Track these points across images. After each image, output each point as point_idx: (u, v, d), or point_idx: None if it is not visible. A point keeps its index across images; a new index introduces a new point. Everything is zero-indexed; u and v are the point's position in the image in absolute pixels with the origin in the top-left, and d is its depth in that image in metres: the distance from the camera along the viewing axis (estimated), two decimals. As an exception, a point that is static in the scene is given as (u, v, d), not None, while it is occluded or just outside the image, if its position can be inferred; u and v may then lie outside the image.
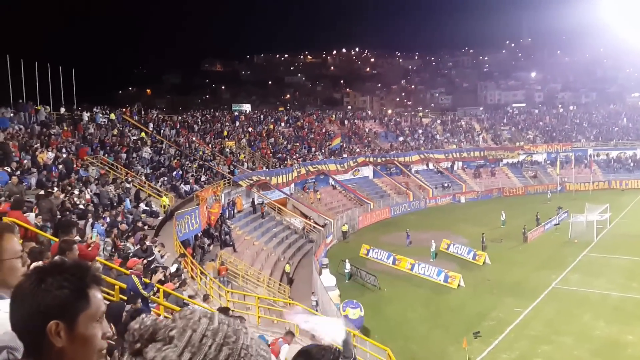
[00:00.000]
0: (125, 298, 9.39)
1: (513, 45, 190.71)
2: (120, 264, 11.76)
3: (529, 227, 38.61)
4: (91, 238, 10.87)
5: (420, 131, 68.86)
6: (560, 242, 36.78)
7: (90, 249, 9.48)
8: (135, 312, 7.69)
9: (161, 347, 1.12)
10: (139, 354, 1.14)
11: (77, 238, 10.67)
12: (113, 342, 5.88)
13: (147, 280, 10.08)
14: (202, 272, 20.53)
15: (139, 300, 9.13)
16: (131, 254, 14.36)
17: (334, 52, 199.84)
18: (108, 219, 18.36)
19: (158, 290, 11.15)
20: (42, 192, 16.81)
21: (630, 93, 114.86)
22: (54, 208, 15.08)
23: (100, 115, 36.64)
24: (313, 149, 53.99)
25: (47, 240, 9.77)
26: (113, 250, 15.02)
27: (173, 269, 14.62)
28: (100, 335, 1.38)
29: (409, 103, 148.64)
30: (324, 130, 60.79)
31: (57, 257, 5.80)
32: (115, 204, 21.61)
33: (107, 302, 8.41)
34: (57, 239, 10.18)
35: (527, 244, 36.54)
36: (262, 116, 60.23)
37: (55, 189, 18.36)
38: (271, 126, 56.62)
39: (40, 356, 1.31)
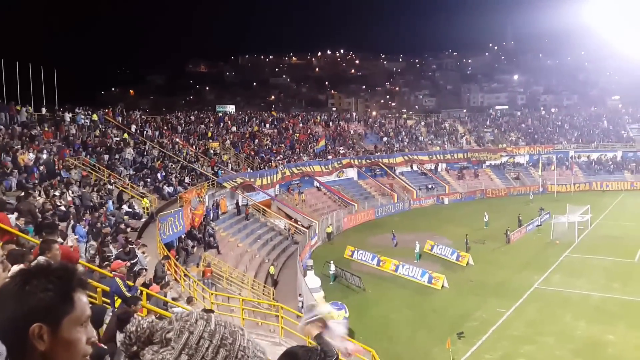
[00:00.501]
0: (107, 301, 9.28)
1: (496, 48, 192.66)
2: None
3: (511, 228, 39.01)
4: (67, 243, 10.73)
5: (404, 133, 69.19)
6: (542, 243, 37.18)
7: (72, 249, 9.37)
8: (123, 314, 7.59)
9: (158, 349, 1.11)
10: (135, 357, 1.13)
11: (60, 240, 10.56)
12: (105, 347, 5.82)
13: (131, 283, 9.98)
14: (185, 274, 20.39)
15: (139, 302, 9.04)
16: (114, 256, 14.21)
17: (319, 53, 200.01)
18: (90, 221, 18.16)
19: (141, 293, 11.04)
20: (22, 193, 16.59)
21: (611, 96, 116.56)
22: (33, 209, 14.87)
23: (83, 116, 36.22)
24: (298, 150, 53.94)
25: (28, 243, 9.64)
26: (96, 253, 14.86)
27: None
28: (85, 339, 1.36)
29: (393, 105, 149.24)
30: (308, 132, 60.75)
31: (41, 259, 5.72)
32: (97, 206, 21.36)
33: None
34: (38, 242, 10.07)
35: (510, 245, 36.87)
36: (246, 117, 60.03)
37: (36, 190, 18.14)
38: (255, 127, 56.47)
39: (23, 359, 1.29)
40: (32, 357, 1.27)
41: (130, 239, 17.76)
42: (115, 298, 9.40)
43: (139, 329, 1.15)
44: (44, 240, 6.86)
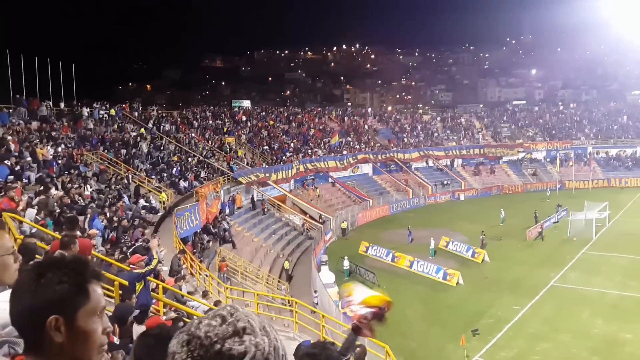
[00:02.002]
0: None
1: (513, 42, 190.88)
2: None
3: (527, 224, 38.77)
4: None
5: (420, 128, 68.82)
6: (559, 240, 36.78)
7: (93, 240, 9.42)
8: (141, 306, 7.62)
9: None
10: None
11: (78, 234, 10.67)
12: (117, 343, 5.87)
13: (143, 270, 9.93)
14: (201, 268, 20.56)
15: (134, 296, 9.09)
16: (131, 250, 14.36)
17: (334, 48, 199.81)
18: (108, 215, 18.33)
19: (157, 287, 11.13)
20: (41, 187, 16.85)
21: (631, 91, 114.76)
22: (50, 204, 15.08)
23: (101, 111, 36.55)
24: (312, 145, 53.93)
25: (47, 236, 9.80)
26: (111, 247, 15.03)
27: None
28: (101, 330, 1.39)
29: (409, 99, 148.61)
30: (323, 127, 60.71)
31: (57, 252, 5.80)
32: (115, 200, 21.58)
33: (115, 304, 8.36)
34: (58, 235, 10.20)
35: (527, 242, 36.52)
36: (262, 112, 60.16)
37: (54, 185, 18.37)
38: (271, 122, 56.63)
39: (40, 351, 1.32)
40: (50, 348, 1.31)
41: (144, 233, 17.96)
42: (138, 286, 9.35)
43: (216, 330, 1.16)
44: (67, 234, 6.93)
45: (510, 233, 38.30)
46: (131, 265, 10.02)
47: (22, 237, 9.53)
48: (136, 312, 7.87)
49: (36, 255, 6.17)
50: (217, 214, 30.51)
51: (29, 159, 20.82)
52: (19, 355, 1.43)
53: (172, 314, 9.25)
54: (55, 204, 15.89)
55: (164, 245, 18.14)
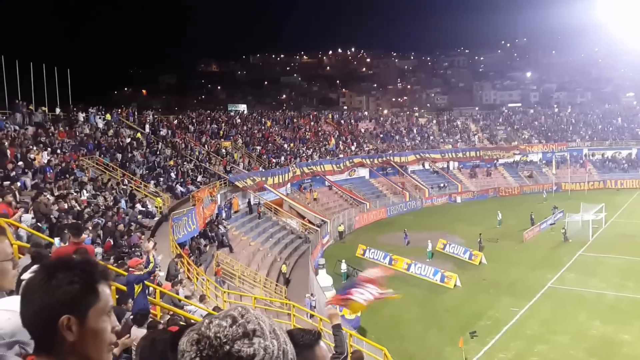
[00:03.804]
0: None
1: (508, 45, 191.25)
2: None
3: (523, 226, 38.88)
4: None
5: (416, 131, 68.94)
6: (555, 242, 36.88)
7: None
8: (139, 315, 7.60)
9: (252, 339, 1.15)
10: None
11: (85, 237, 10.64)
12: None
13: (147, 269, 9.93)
14: (198, 273, 20.54)
15: (130, 300, 9.07)
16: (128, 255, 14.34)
17: (330, 52, 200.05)
18: (103, 221, 18.25)
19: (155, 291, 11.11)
20: (36, 193, 16.81)
21: (625, 93, 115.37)
22: (43, 209, 15.05)
23: (98, 116, 36.45)
24: (308, 149, 53.93)
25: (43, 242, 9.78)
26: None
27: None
28: (110, 328, 1.42)
29: (404, 103, 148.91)
30: (320, 131, 60.73)
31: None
32: (110, 205, 21.52)
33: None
34: (52, 240, 10.19)
35: (524, 244, 36.60)
36: (258, 116, 60.19)
37: (48, 191, 18.34)
38: (269, 123, 56.73)
39: (51, 350, 1.34)
40: (61, 348, 1.33)
41: (142, 237, 17.93)
42: (137, 289, 9.31)
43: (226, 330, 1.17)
44: (37, 250, 6.90)
45: (507, 235, 38.38)
46: (130, 269, 10.02)
47: (19, 242, 9.52)
48: (129, 314, 7.84)
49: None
50: (211, 216, 30.49)
51: (21, 163, 20.77)
52: (30, 356, 1.44)
53: (167, 317, 9.24)
54: (52, 209, 15.86)
55: (161, 250, 18.09)
